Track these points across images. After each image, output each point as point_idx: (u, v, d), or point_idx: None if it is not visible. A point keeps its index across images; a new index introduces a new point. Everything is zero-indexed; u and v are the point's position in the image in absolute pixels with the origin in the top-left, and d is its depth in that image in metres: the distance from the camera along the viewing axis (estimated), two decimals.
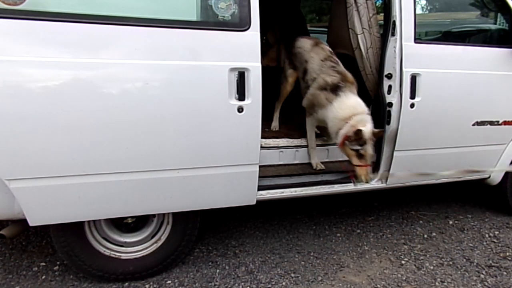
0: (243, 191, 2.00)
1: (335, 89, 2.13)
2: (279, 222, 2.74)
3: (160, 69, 1.68)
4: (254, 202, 2.05)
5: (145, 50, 1.66)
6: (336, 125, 2.10)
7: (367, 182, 2.07)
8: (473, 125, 2.44)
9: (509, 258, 2.37)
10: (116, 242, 2.02)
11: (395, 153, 2.28)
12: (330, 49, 2.39)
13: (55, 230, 1.86)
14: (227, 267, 2.18)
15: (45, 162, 1.60)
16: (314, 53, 2.33)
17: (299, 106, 2.47)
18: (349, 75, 2.21)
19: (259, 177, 1.99)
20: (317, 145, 2.40)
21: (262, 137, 1.95)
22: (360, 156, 2.03)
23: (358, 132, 1.96)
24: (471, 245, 2.53)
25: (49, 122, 1.55)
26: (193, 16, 1.74)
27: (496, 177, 2.70)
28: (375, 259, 2.32)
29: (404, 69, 2.17)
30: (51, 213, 1.70)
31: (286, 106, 3.38)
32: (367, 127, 2.01)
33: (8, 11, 1.48)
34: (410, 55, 2.18)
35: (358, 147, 2.00)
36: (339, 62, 2.30)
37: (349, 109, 2.07)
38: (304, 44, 2.44)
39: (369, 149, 2.02)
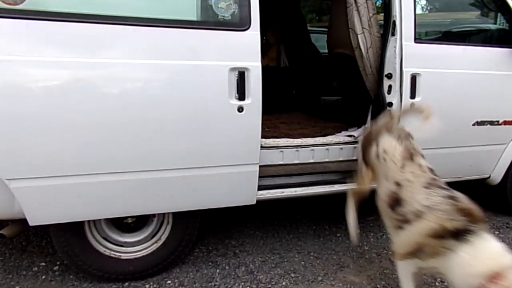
0: (243, 191, 2.00)
1: (460, 235, 1.44)
2: (279, 222, 2.74)
3: (160, 69, 1.69)
4: (254, 202, 2.05)
5: (145, 50, 1.66)
6: (467, 282, 1.39)
7: None
8: (473, 125, 2.44)
9: None
10: (116, 242, 2.01)
11: None
12: (427, 161, 1.72)
13: (55, 230, 1.85)
14: (227, 267, 2.18)
15: (45, 162, 1.60)
16: (409, 173, 1.64)
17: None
18: (475, 210, 1.51)
19: (259, 177, 1.99)
20: (317, 144, 2.36)
21: (262, 137, 1.95)
22: None
23: None
24: None
25: (49, 122, 1.55)
26: (193, 16, 1.74)
27: (496, 177, 2.70)
28: (375, 259, 2.32)
29: (404, 69, 2.17)
30: (51, 213, 1.70)
31: (287, 107, 3.40)
32: None
33: (8, 11, 1.48)
34: (410, 55, 2.18)
35: None
36: (446, 185, 1.63)
37: (490, 261, 1.39)
38: (392, 149, 1.69)
39: None
